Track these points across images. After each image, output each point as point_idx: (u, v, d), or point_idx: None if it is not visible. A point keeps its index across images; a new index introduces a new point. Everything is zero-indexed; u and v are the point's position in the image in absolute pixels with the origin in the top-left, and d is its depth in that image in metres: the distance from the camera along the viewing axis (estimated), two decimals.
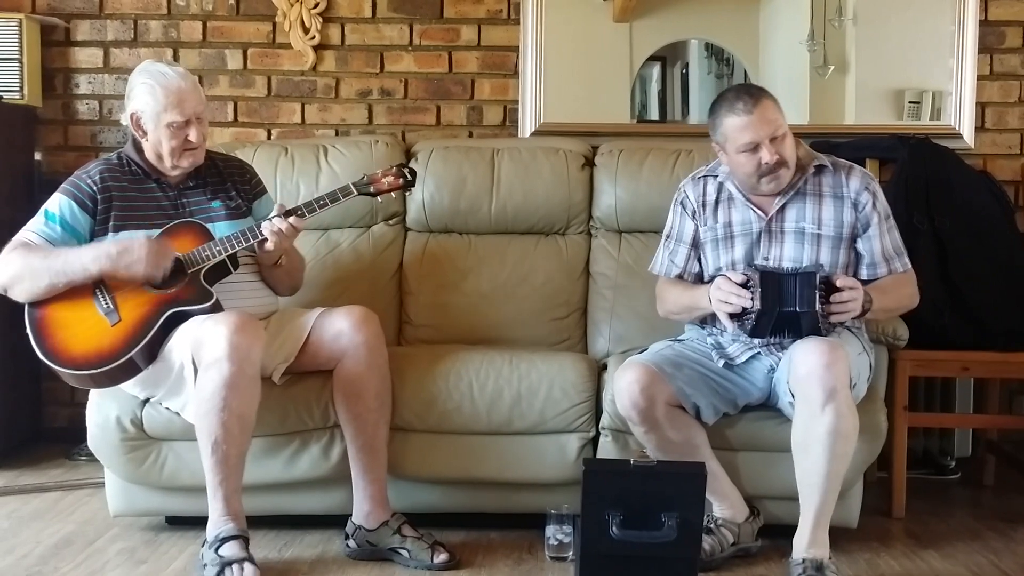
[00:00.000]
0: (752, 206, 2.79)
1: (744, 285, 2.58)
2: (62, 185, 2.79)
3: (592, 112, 3.83)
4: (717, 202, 2.84)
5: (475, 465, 2.89)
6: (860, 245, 2.77)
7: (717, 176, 2.86)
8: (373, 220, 3.46)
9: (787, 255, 2.74)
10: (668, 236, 2.92)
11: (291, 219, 2.74)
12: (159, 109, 2.74)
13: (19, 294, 2.71)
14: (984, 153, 3.78)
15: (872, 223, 2.76)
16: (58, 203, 2.75)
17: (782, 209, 2.77)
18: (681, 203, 2.90)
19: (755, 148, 2.67)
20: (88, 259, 2.66)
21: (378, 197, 2.87)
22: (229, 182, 2.92)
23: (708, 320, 2.81)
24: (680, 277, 2.88)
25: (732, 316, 2.60)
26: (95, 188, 2.75)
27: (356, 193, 2.83)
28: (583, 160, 3.48)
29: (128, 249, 2.64)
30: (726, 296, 2.59)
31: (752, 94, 2.69)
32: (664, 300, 2.91)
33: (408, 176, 2.87)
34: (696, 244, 2.87)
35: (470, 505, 2.95)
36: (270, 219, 2.74)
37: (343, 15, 3.84)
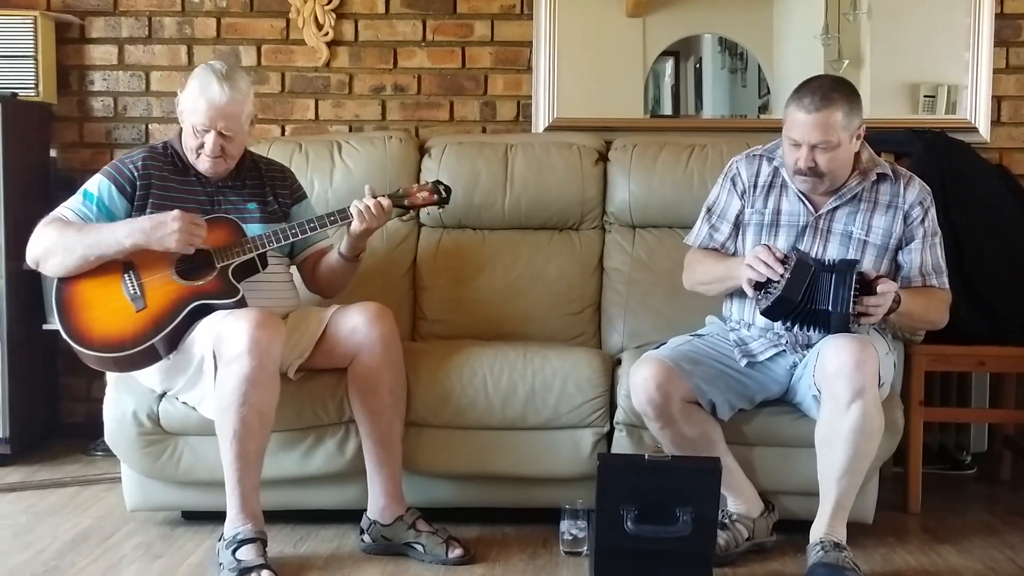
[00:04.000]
0: (803, 199, 2.76)
1: (782, 262, 2.56)
2: (104, 167, 2.83)
3: (605, 107, 3.82)
4: (770, 186, 2.81)
5: (489, 460, 2.89)
6: (901, 256, 2.76)
7: (773, 160, 2.83)
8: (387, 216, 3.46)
9: (830, 255, 2.70)
10: (711, 210, 2.88)
11: (380, 199, 2.75)
12: (185, 108, 2.78)
13: (51, 268, 2.72)
14: (1000, 147, 3.76)
15: (916, 237, 2.74)
16: (98, 184, 2.78)
17: (833, 210, 2.74)
18: (732, 179, 2.86)
19: (798, 145, 2.66)
20: (123, 233, 2.67)
21: (410, 212, 2.87)
22: (268, 186, 2.94)
23: (734, 308, 2.80)
24: (716, 251, 2.86)
25: (756, 286, 2.59)
26: (136, 174, 2.78)
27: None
28: (596, 155, 3.48)
29: (162, 223, 2.65)
30: (759, 264, 2.57)
31: (826, 96, 2.61)
32: (694, 270, 2.87)
33: (444, 194, 2.89)
34: (738, 224, 2.84)
35: (485, 500, 2.95)
36: (359, 200, 2.76)
37: (356, 11, 3.84)
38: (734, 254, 2.85)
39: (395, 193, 2.86)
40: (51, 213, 2.78)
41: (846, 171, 2.72)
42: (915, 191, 2.76)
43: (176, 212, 2.66)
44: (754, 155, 2.87)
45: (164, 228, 2.64)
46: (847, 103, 2.63)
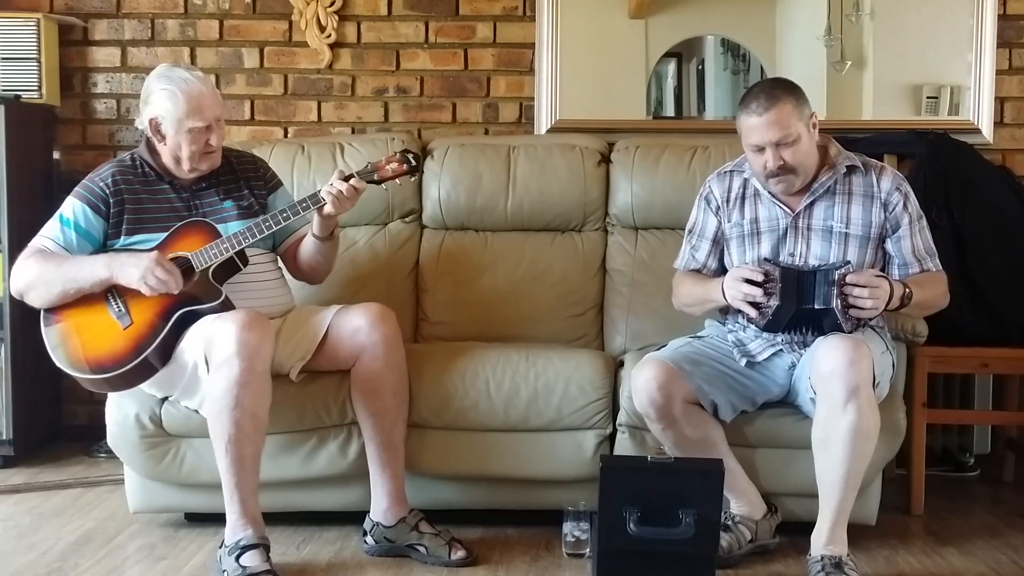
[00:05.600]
0: (778, 203, 2.78)
1: (763, 283, 2.58)
2: (75, 189, 2.81)
3: (608, 109, 3.82)
4: (743, 198, 2.83)
5: (492, 462, 2.89)
6: (890, 246, 2.76)
7: (743, 172, 2.85)
8: (389, 217, 3.46)
9: (814, 252, 2.73)
10: (691, 231, 2.92)
11: (352, 181, 2.74)
12: (180, 115, 2.74)
13: (34, 300, 2.74)
14: (1003, 148, 3.76)
15: (903, 223, 2.75)
16: (72, 208, 2.77)
17: (810, 207, 2.76)
18: (705, 198, 2.90)
19: (761, 149, 2.67)
20: (100, 268, 2.67)
21: (383, 185, 2.84)
22: (242, 180, 2.92)
23: (730, 311, 2.81)
24: (699, 271, 2.88)
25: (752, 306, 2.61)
26: (107, 191, 2.77)
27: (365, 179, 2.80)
28: (599, 157, 3.48)
29: (137, 264, 2.63)
30: (743, 285, 2.60)
31: (770, 95, 2.66)
32: (678, 293, 2.91)
33: (412, 161, 2.83)
34: (717, 240, 2.87)
35: (487, 502, 2.95)
36: (330, 184, 2.74)
37: (359, 13, 3.85)
38: (717, 270, 2.87)
39: (364, 170, 2.81)
40: (31, 243, 2.77)
41: (813, 162, 2.73)
42: (889, 179, 2.77)
43: (155, 255, 2.65)
44: (724, 172, 2.90)
45: (136, 268, 2.62)
46: (792, 96, 2.68)
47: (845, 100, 3.84)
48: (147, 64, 3.87)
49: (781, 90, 2.68)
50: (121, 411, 2.85)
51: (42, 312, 2.74)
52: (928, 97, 3.79)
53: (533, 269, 3.38)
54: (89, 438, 3.72)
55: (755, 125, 2.66)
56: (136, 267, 2.63)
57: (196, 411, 2.77)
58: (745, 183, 2.84)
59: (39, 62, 3.69)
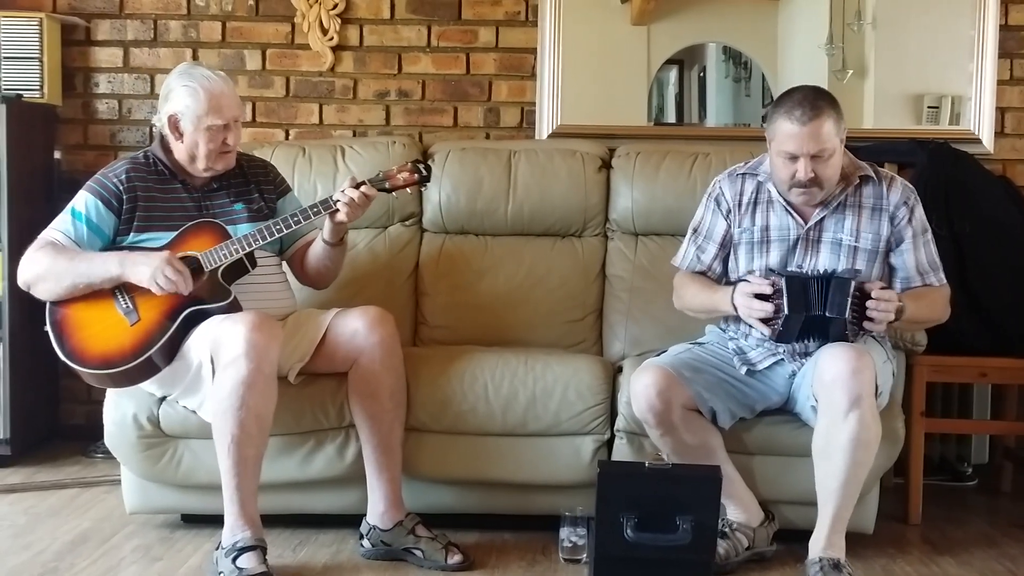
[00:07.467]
0: (792, 212, 2.76)
1: (771, 296, 2.56)
2: (88, 183, 2.81)
3: (609, 114, 3.82)
4: (755, 203, 2.80)
5: (490, 466, 2.89)
6: (893, 259, 2.75)
7: (757, 175, 2.82)
8: (389, 221, 3.47)
9: (822, 265, 2.70)
10: (697, 231, 2.88)
11: (363, 188, 2.74)
12: (200, 112, 2.75)
13: (41, 292, 2.73)
14: (1003, 158, 3.76)
15: (906, 237, 2.73)
16: (84, 201, 2.77)
17: (822, 219, 2.74)
18: (716, 199, 2.85)
19: (794, 158, 2.64)
20: (113, 265, 2.67)
21: (394, 193, 2.86)
22: (253, 183, 2.93)
23: (731, 319, 2.80)
24: (703, 273, 2.87)
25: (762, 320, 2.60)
26: (121, 187, 2.77)
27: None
28: (600, 162, 3.48)
29: (148, 263, 2.63)
30: (754, 305, 2.59)
31: (814, 106, 2.60)
32: (682, 295, 2.88)
33: (423, 172, 2.85)
34: (725, 244, 2.84)
35: (484, 506, 2.95)
36: (342, 191, 2.75)
37: (361, 16, 3.85)
38: (723, 273, 2.86)
39: (375, 178, 2.82)
40: (41, 236, 2.77)
41: (838, 177, 2.72)
42: (898, 192, 2.75)
43: (166, 254, 2.65)
44: (737, 174, 2.85)
45: (147, 267, 2.62)
46: (834, 110, 2.65)
47: (846, 109, 3.70)
48: (149, 65, 3.89)
49: (825, 102, 2.63)
50: (119, 411, 2.85)
51: (48, 304, 2.74)
52: (929, 106, 3.80)
53: (533, 274, 3.38)
54: (86, 438, 3.71)
55: (795, 134, 2.60)
56: (147, 266, 2.63)
57: (194, 412, 2.77)
58: (759, 187, 2.81)
59: (41, 62, 3.69)
